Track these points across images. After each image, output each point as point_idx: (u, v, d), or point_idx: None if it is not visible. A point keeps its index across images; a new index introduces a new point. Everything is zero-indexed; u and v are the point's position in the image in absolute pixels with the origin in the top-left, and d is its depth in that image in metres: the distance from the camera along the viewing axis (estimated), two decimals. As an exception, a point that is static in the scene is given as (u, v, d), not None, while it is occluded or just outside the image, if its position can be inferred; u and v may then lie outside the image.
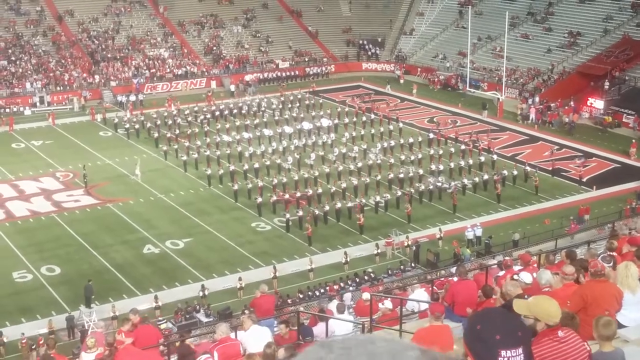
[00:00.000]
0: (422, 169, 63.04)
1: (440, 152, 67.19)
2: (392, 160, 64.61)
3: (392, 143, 69.34)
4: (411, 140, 69.78)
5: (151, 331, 20.46)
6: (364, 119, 77.16)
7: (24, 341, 38.59)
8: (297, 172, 62.88)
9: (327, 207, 55.57)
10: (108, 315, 41.31)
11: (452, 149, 67.95)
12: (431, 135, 71.54)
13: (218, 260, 50.34)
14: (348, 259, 49.30)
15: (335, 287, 44.67)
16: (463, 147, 68.27)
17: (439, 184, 59.97)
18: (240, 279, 46.29)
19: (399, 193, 58.42)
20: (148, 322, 21.90)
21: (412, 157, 66.00)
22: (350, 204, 56.57)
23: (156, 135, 72.48)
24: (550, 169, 64.91)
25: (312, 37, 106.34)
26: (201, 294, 44.99)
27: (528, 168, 63.44)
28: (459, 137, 71.38)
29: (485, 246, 50.93)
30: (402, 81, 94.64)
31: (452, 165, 64.08)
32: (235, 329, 17.54)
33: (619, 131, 75.35)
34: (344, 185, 59.48)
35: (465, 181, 60.97)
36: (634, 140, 71.04)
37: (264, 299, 22.95)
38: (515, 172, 62.44)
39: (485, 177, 61.43)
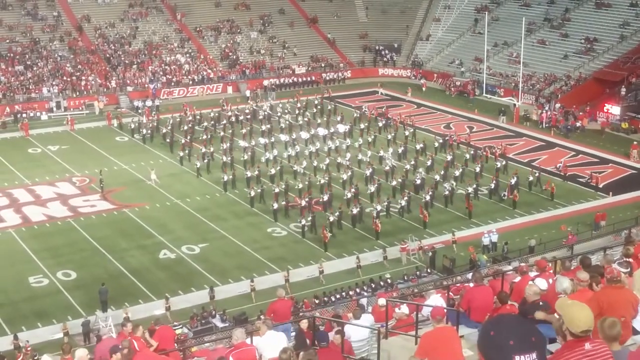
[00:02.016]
0: (437, 174, 62.83)
1: (449, 157, 67.12)
2: (407, 167, 64.70)
3: (402, 149, 69.12)
4: (421, 145, 69.72)
5: (169, 332, 20.73)
6: (380, 124, 77.25)
7: (29, 348, 38.62)
8: (311, 178, 62.82)
9: (337, 213, 55.49)
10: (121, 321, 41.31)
11: (467, 155, 67.98)
12: (441, 141, 71.78)
13: (234, 265, 50.33)
14: (361, 263, 49.39)
15: (351, 292, 44.74)
16: (472, 152, 68.94)
17: (450, 188, 59.94)
18: (252, 280, 46.62)
19: (406, 198, 58.31)
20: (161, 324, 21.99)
21: (429, 163, 65.99)
22: (357, 208, 56.55)
23: (168, 140, 73.02)
24: (563, 174, 64.92)
25: (328, 43, 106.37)
26: (209, 295, 45.36)
27: (537, 173, 63.59)
28: (471, 142, 71.87)
29: (503, 251, 50.70)
30: (424, 89, 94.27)
31: (459, 171, 63.92)
32: (250, 334, 17.55)
33: (634, 137, 75.01)
34: (353, 190, 59.48)
35: (474, 187, 60.83)
36: (635, 142, 71.45)
37: (280, 303, 22.92)
38: (530, 178, 62.35)
39: (493, 185, 61.38)
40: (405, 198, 58.27)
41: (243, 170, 63.71)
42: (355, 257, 50.06)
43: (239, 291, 46.96)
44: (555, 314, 7.54)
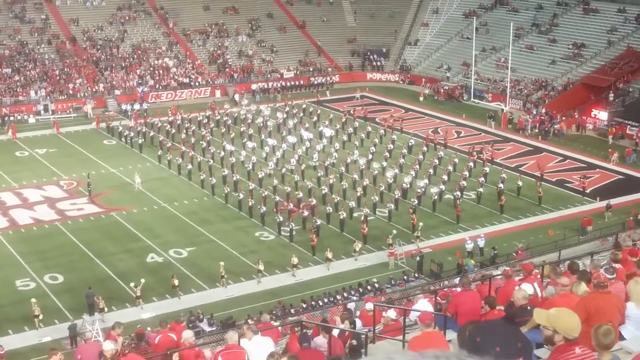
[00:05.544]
0: (426, 178, 62.90)
1: (436, 161, 67.43)
2: (396, 171, 64.80)
3: (387, 154, 69.17)
4: (404, 151, 69.78)
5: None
6: (370, 128, 77.35)
7: (1, 352, 38.48)
8: (296, 181, 62.93)
9: (318, 222, 55.59)
10: (109, 325, 41.21)
11: (456, 160, 67.95)
12: (412, 142, 72.26)
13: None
14: (331, 255, 50.38)
15: (338, 296, 44.78)
16: (440, 153, 69.90)
17: (421, 190, 60.24)
18: (222, 263, 47.93)
19: (388, 203, 58.52)
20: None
21: (417, 167, 66.05)
22: (342, 210, 56.60)
23: (141, 141, 73.57)
24: (538, 174, 65.30)
25: (317, 47, 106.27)
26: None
27: (505, 176, 63.13)
28: (448, 144, 73.05)
29: (491, 256, 50.77)
30: (421, 98, 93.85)
31: (446, 175, 64.04)
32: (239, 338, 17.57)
33: (621, 142, 75.30)
34: (329, 194, 59.59)
35: (459, 193, 60.84)
36: (611, 148, 72.53)
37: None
38: (520, 183, 62.37)
39: (481, 190, 61.42)
40: (389, 204, 58.51)
41: (231, 174, 63.65)
42: (330, 252, 50.70)
43: (226, 295, 46.94)
44: (543, 326, 7.51)
